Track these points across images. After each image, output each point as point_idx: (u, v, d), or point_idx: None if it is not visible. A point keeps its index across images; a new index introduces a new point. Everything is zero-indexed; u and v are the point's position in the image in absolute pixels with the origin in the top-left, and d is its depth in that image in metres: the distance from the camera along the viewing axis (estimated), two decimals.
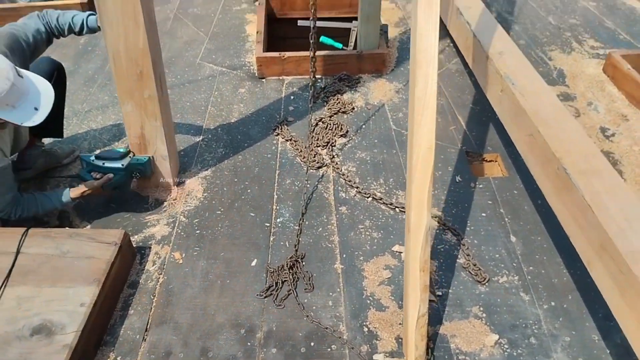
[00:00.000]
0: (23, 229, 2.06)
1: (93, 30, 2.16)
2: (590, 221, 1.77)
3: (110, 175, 2.19)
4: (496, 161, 2.73)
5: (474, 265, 2.12)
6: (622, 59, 3.14)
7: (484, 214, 2.36)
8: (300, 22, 2.95)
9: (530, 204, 2.40)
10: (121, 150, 2.25)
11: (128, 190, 2.40)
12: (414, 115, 1.70)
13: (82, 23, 2.14)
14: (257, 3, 3.88)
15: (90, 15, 2.13)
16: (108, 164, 2.20)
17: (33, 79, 1.93)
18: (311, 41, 2.54)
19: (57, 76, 2.39)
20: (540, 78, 2.53)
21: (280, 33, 3.90)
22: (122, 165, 2.20)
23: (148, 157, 2.31)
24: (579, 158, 1.97)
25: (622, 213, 1.75)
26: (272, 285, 2.04)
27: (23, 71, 1.90)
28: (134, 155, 2.29)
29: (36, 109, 1.89)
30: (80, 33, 2.18)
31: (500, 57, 2.69)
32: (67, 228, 2.25)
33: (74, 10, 2.23)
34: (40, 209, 2.16)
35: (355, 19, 3.29)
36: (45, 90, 1.93)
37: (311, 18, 2.42)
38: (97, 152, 2.31)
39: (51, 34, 2.19)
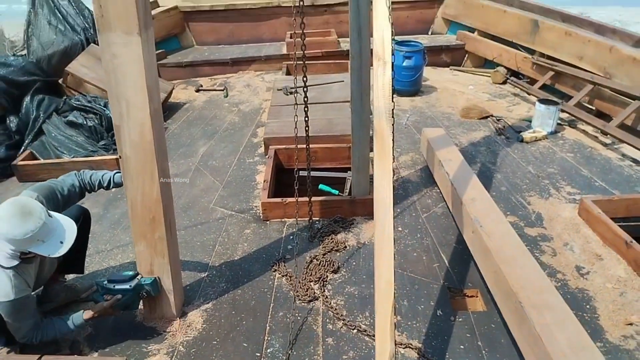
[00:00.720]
0: (37, 356, 2.31)
1: (119, 185, 2.61)
2: (541, 350, 1.94)
3: (119, 296, 2.49)
4: (477, 296, 2.92)
5: None
6: (593, 203, 3.44)
7: (462, 346, 2.51)
8: (301, 173, 3.39)
9: (507, 337, 2.54)
10: (130, 273, 2.57)
11: (137, 309, 2.64)
12: (375, 254, 2.00)
13: (110, 179, 2.61)
14: (267, 156, 4.43)
15: (117, 173, 2.61)
16: (118, 286, 2.51)
17: (59, 218, 2.32)
18: (295, 188, 2.94)
19: (82, 220, 2.80)
20: (505, 221, 2.85)
21: (287, 181, 4.37)
22: (130, 286, 2.51)
23: (154, 277, 2.60)
24: (533, 293, 2.20)
25: (569, 343, 1.93)
26: None
27: (52, 212, 2.30)
28: (141, 277, 2.59)
29: (61, 242, 2.25)
30: (108, 187, 2.65)
31: (472, 203, 3.05)
32: (76, 355, 2.49)
33: (106, 169, 2.72)
34: (58, 332, 2.41)
35: (350, 169, 3.74)
36: (69, 227, 2.31)
37: (296, 168, 2.85)
38: (109, 276, 2.64)
39: (84, 189, 2.64)
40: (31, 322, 2.33)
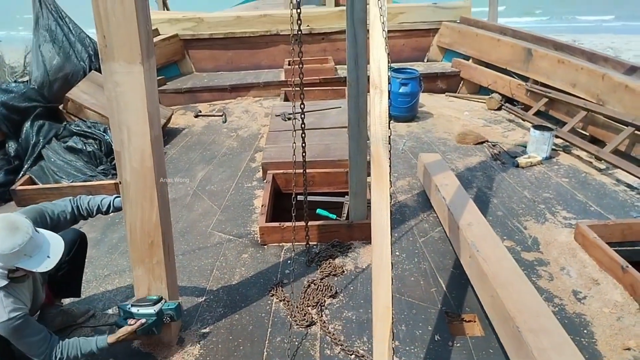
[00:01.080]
0: None
1: (118, 210, 2.63)
2: None
3: (143, 320, 2.49)
4: (475, 321, 2.92)
5: None
6: (589, 228, 3.47)
7: None
8: (299, 197, 3.42)
9: None
10: (154, 297, 2.56)
11: (161, 333, 2.62)
12: (373, 279, 2.01)
13: (110, 204, 2.63)
14: (265, 181, 4.46)
15: (116, 197, 2.63)
16: (142, 311, 2.51)
17: (46, 234, 2.33)
18: (293, 214, 2.97)
19: (79, 244, 2.82)
20: (502, 245, 2.87)
21: (285, 205, 4.40)
22: (154, 311, 2.50)
23: (177, 302, 2.59)
24: (530, 317, 2.21)
25: None
26: None
27: (38, 229, 2.31)
28: (165, 301, 2.59)
29: (48, 257, 2.25)
30: (107, 212, 2.66)
31: (469, 228, 3.07)
32: None
33: (105, 194, 2.74)
34: (80, 353, 2.37)
35: (348, 193, 3.77)
36: (56, 242, 2.32)
37: (293, 193, 2.88)
38: (133, 300, 2.62)
39: (78, 215, 2.64)
40: (37, 338, 2.29)
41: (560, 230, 3.73)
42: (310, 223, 3.55)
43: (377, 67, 2.15)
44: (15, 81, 5.28)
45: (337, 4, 9.33)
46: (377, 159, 2.10)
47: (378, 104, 2.14)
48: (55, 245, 2.31)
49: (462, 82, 7.62)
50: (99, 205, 2.63)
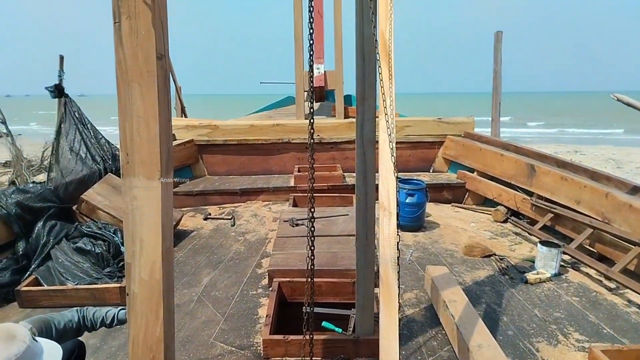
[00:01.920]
0: None
1: (122, 323, 2.62)
2: None
3: None
4: None
5: None
6: (603, 354, 3.34)
7: None
8: (304, 309, 3.37)
9: None
10: None
11: None
12: None
13: (114, 316, 2.62)
14: (270, 289, 4.42)
15: (121, 309, 2.62)
16: None
17: (43, 342, 2.27)
18: (305, 332, 2.90)
19: (77, 353, 2.75)
20: None
21: (290, 315, 4.31)
22: None
23: None
24: None
25: None
26: None
27: (37, 337, 2.26)
28: None
29: None
30: (110, 326, 2.65)
31: (479, 350, 2.98)
32: None
33: (109, 301, 2.74)
34: None
35: (354, 305, 3.71)
36: (52, 350, 2.25)
37: (305, 310, 2.84)
38: None
39: (83, 327, 2.63)
40: None
41: (573, 354, 3.60)
42: (315, 337, 3.45)
43: (387, 190, 2.23)
44: (33, 182, 5.47)
45: (346, 116, 9.81)
46: (387, 281, 2.11)
47: (387, 226, 2.20)
48: (51, 353, 2.26)
49: (467, 193, 7.77)
50: (103, 317, 2.62)
